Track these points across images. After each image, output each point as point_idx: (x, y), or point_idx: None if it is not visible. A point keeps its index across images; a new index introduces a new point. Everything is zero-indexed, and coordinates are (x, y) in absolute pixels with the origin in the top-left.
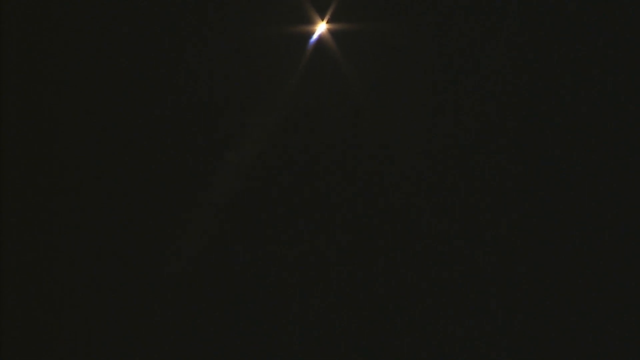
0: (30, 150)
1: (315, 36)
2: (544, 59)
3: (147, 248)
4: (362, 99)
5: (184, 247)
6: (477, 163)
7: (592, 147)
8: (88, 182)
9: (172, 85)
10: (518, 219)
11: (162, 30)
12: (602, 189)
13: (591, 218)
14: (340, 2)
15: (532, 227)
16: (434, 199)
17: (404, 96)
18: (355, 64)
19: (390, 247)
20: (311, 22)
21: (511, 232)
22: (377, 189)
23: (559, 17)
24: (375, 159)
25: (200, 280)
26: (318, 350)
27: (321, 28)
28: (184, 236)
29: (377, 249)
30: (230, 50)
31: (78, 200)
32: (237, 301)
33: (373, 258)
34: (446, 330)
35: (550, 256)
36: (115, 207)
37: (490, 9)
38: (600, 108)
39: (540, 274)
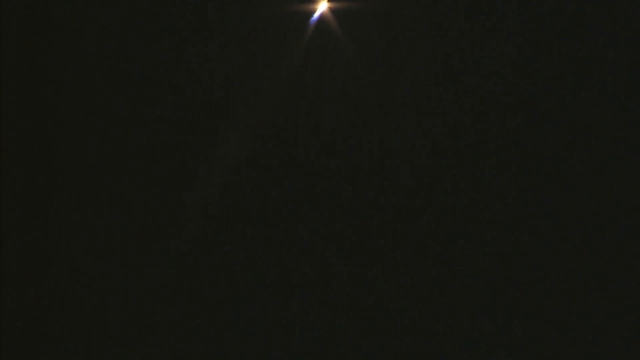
0: (30, 150)
1: (316, 15)
2: (544, 55)
3: (148, 248)
4: (364, 78)
5: (185, 246)
6: (480, 152)
7: (592, 147)
8: (88, 182)
9: (171, 66)
10: (518, 218)
11: (161, 10)
12: (602, 189)
13: (591, 218)
14: None
15: (532, 227)
16: (437, 194)
17: (407, 76)
18: (357, 44)
19: (391, 246)
20: (312, 1)
21: (511, 232)
22: (378, 178)
23: (559, 17)
24: (377, 142)
25: (199, 280)
26: (318, 350)
27: (322, 7)
28: (184, 235)
29: (377, 247)
30: (229, 29)
31: (78, 200)
32: (237, 301)
33: (373, 257)
34: (446, 330)
35: (550, 256)
36: (116, 207)
37: None
38: (600, 108)
39: (540, 274)
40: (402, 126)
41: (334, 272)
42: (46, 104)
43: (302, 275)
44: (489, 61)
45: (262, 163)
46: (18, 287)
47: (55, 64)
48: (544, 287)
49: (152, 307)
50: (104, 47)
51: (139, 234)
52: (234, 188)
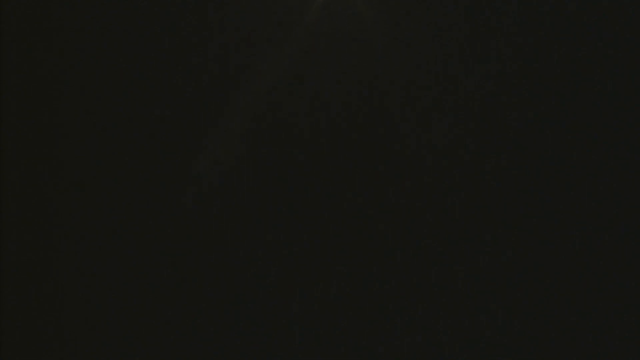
0: (30, 150)
1: None
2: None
3: (148, 248)
4: (380, 46)
5: (185, 245)
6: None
7: (592, 147)
8: (88, 182)
9: (171, 48)
10: (518, 218)
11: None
12: (602, 189)
13: (591, 218)
14: None
15: (532, 227)
16: (437, 194)
17: (423, 43)
18: (373, 8)
19: (391, 246)
20: None
21: (511, 232)
22: (383, 169)
23: (559, 17)
24: (392, 113)
25: (199, 280)
26: (318, 350)
27: None
28: (184, 234)
29: (377, 247)
30: None
31: (78, 200)
32: (237, 301)
33: (373, 257)
34: (446, 330)
35: (550, 256)
36: (116, 207)
37: None
38: (600, 108)
39: (540, 274)
40: (410, 111)
41: (334, 272)
42: (46, 104)
43: (302, 275)
44: (506, 17)
45: (262, 154)
46: (18, 287)
47: (55, 64)
48: (544, 287)
49: (152, 307)
50: (104, 47)
51: (138, 234)
52: (234, 182)
